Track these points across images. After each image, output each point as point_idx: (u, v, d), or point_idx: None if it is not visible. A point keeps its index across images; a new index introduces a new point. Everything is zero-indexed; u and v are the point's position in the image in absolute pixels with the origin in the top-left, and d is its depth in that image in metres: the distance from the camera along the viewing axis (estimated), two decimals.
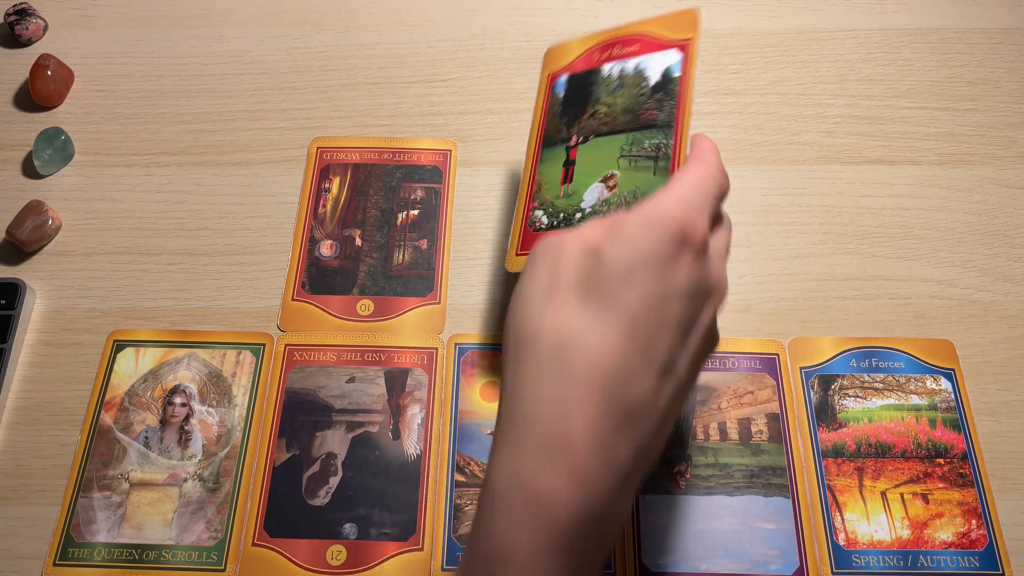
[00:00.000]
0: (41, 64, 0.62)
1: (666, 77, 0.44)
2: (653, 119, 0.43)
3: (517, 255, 0.44)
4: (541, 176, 0.45)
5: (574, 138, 0.45)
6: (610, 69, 0.46)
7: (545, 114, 0.48)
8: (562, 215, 0.43)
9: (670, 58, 0.44)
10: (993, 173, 0.59)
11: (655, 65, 0.44)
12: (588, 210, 0.42)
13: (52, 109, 0.63)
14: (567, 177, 0.44)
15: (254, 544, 0.47)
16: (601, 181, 0.43)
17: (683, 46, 0.44)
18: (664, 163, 0.41)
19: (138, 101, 0.63)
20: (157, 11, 0.68)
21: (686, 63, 0.43)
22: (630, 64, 0.45)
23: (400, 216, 0.58)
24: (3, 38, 0.67)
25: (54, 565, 0.46)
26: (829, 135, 0.61)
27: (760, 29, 0.66)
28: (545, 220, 0.44)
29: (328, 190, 0.59)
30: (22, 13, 0.66)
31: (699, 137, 0.38)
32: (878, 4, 0.67)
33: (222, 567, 0.46)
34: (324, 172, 0.59)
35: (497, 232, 0.57)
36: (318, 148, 0.61)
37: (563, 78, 0.48)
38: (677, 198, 0.32)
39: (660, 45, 0.45)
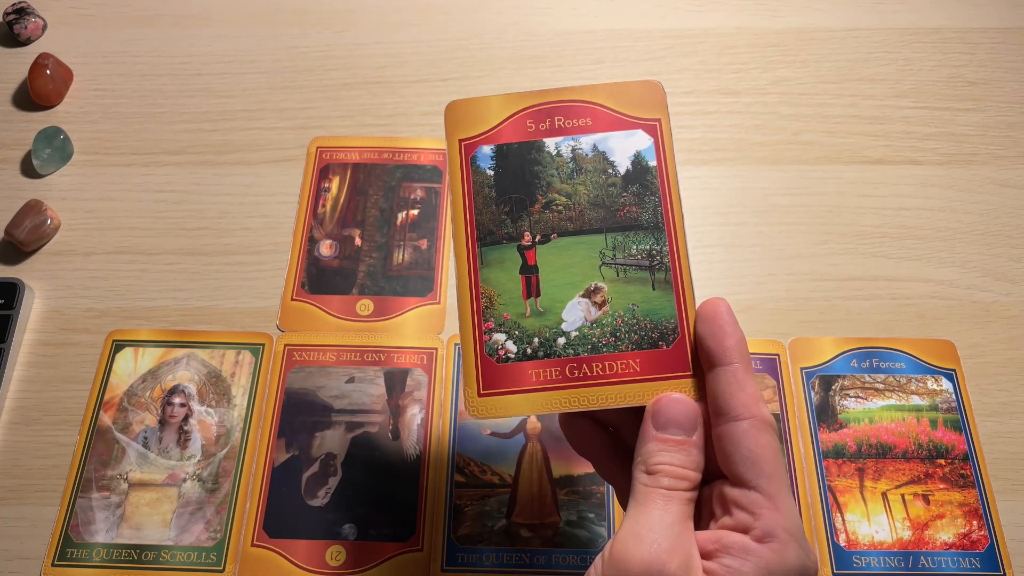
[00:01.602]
0: (40, 63, 0.62)
1: (639, 165, 0.36)
2: (635, 218, 0.36)
3: (480, 396, 0.34)
4: (488, 285, 0.36)
5: (527, 236, 0.36)
6: (557, 146, 0.37)
7: (471, 197, 0.37)
8: (537, 340, 0.35)
9: (638, 142, 0.37)
10: (994, 173, 0.59)
11: (619, 148, 0.37)
12: (574, 333, 0.35)
13: (51, 108, 0.63)
14: (532, 289, 0.36)
15: (253, 544, 0.47)
16: (583, 295, 0.35)
17: (651, 128, 0.37)
18: (663, 274, 0.35)
19: (137, 100, 0.63)
20: (156, 10, 0.68)
21: (662, 152, 0.37)
22: (584, 142, 0.37)
23: (400, 216, 0.57)
24: (2, 37, 0.67)
25: (53, 565, 0.46)
26: (830, 135, 0.61)
27: (761, 29, 0.66)
28: (513, 347, 0.35)
29: (328, 190, 0.59)
30: (21, 12, 0.66)
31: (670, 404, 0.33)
32: (879, 3, 0.67)
33: (221, 568, 0.46)
34: (324, 172, 0.59)
35: None
36: (318, 148, 0.60)
37: (486, 149, 0.37)
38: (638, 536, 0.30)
39: (620, 123, 0.37)
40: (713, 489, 0.32)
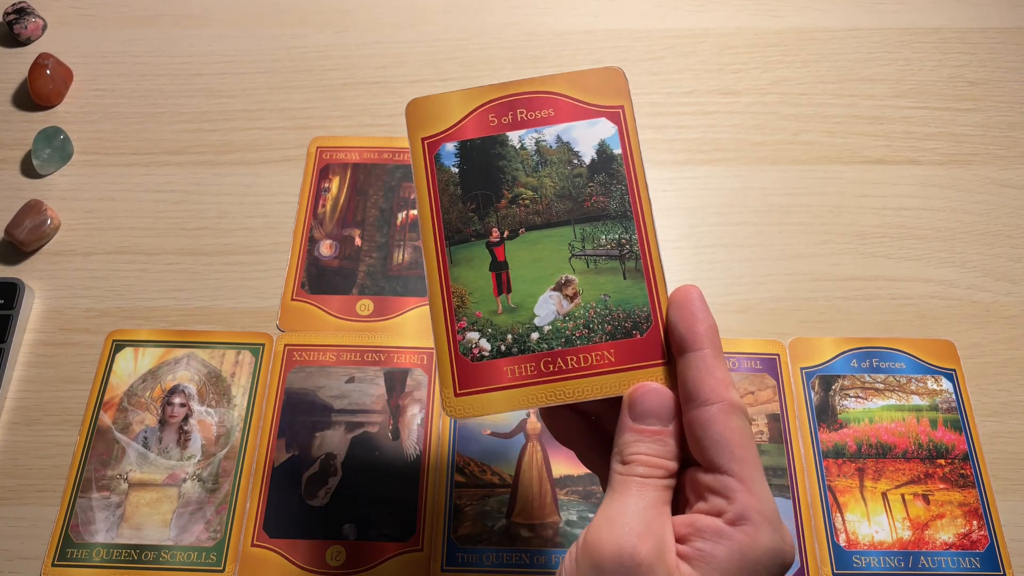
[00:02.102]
0: (40, 63, 0.62)
1: (604, 154, 0.36)
2: (602, 208, 0.36)
3: (457, 396, 0.34)
4: (459, 284, 0.36)
5: (495, 232, 0.36)
6: (520, 139, 0.37)
7: (437, 196, 0.37)
8: (510, 337, 0.35)
9: (602, 130, 0.36)
10: (994, 173, 0.59)
11: (583, 137, 0.36)
12: (547, 328, 0.35)
13: (51, 108, 0.63)
14: (503, 285, 0.35)
15: (253, 544, 0.47)
16: (555, 289, 0.35)
17: (614, 116, 0.37)
18: (634, 263, 0.35)
19: (137, 100, 0.63)
20: (156, 10, 0.68)
21: (626, 139, 0.36)
22: (548, 134, 0.37)
23: (400, 216, 0.57)
24: (2, 37, 0.67)
25: (53, 565, 0.46)
26: (830, 135, 0.61)
27: (761, 28, 0.66)
28: (487, 345, 0.35)
29: (328, 190, 0.59)
30: (21, 12, 0.66)
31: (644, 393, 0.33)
32: (879, 3, 0.67)
33: (221, 567, 0.46)
34: (324, 172, 0.59)
35: None
36: (318, 148, 0.60)
37: (450, 146, 0.37)
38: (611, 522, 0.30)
39: (583, 112, 0.37)
40: (688, 475, 0.32)
